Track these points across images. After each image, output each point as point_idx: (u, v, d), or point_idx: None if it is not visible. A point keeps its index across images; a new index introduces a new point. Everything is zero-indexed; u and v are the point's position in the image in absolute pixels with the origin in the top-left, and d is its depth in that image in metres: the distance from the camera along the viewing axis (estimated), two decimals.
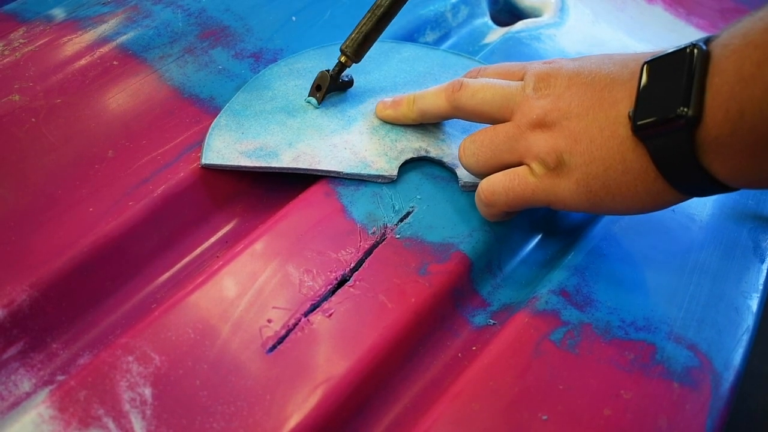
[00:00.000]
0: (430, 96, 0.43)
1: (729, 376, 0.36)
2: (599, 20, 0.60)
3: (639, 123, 0.33)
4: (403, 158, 0.43)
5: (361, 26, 0.43)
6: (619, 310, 0.38)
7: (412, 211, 0.41)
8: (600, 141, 0.35)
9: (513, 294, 0.40)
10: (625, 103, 0.34)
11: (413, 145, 0.44)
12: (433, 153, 0.44)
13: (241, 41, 0.49)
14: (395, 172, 0.42)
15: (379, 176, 0.42)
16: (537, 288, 0.39)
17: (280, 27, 0.51)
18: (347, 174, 0.42)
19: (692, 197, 0.35)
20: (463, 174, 0.43)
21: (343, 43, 0.43)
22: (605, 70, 0.36)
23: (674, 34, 0.60)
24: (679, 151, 0.32)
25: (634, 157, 0.34)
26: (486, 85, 0.40)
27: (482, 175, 0.40)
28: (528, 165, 0.38)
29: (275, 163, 0.41)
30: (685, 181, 0.33)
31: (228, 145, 0.42)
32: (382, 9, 0.42)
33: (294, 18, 0.52)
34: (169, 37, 0.49)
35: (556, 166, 0.36)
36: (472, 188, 0.42)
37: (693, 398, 0.35)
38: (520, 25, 0.57)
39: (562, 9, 0.59)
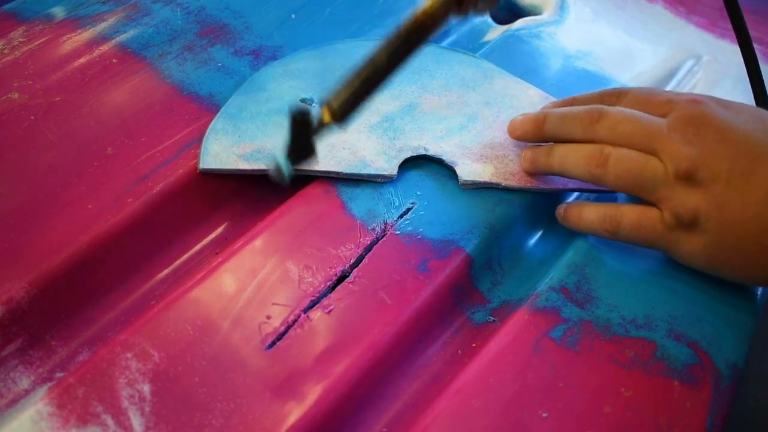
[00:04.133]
0: (564, 121, 0.41)
1: (729, 374, 0.36)
2: (599, 18, 0.60)
3: None
4: (402, 157, 0.43)
5: (356, 82, 0.33)
6: (619, 308, 0.38)
7: (412, 208, 0.41)
8: (742, 218, 0.35)
9: (513, 291, 0.40)
10: None
11: (412, 143, 0.44)
12: (432, 151, 0.43)
13: (241, 39, 0.49)
14: (395, 171, 0.42)
15: (378, 176, 0.42)
16: (537, 285, 0.39)
17: (280, 24, 0.51)
18: (347, 174, 0.41)
19: None
20: (462, 172, 0.42)
21: (331, 98, 0.34)
22: (758, 136, 0.35)
23: (674, 32, 0.60)
24: None
25: None
26: (628, 117, 0.38)
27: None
28: (662, 211, 0.37)
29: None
30: None
31: (225, 149, 0.41)
32: (386, 65, 0.34)
33: (293, 16, 0.52)
34: (169, 35, 0.49)
35: (690, 224, 0.36)
36: (472, 186, 0.42)
37: (693, 396, 0.34)
38: (520, 23, 0.57)
39: (562, 7, 0.59)
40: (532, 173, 0.42)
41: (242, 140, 0.42)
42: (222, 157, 0.41)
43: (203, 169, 0.41)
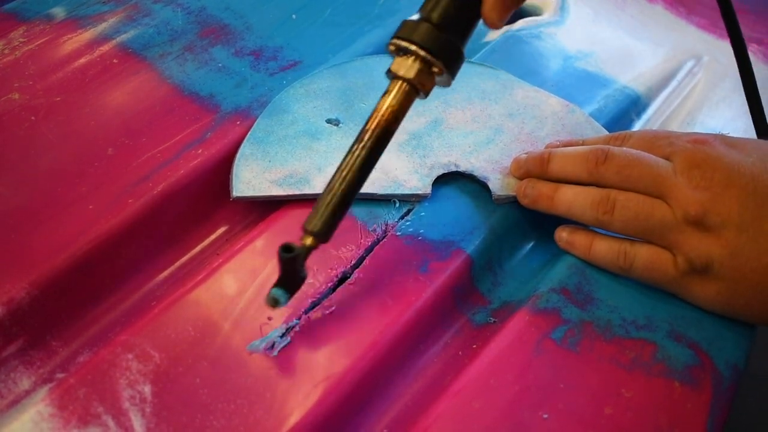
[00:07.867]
0: (569, 162, 0.40)
1: (730, 375, 0.36)
2: (600, 19, 0.60)
3: None
4: (434, 174, 0.42)
5: (329, 200, 0.33)
6: (619, 309, 0.38)
7: (413, 209, 0.41)
8: (756, 265, 0.35)
9: (513, 292, 0.40)
10: None
11: (442, 160, 0.43)
12: (463, 167, 0.43)
13: (241, 39, 0.49)
14: (429, 190, 0.41)
15: (413, 195, 0.41)
16: (538, 286, 0.39)
17: (280, 25, 0.51)
18: (381, 195, 0.41)
19: None
20: (495, 187, 0.42)
21: (309, 222, 0.33)
22: (766, 178, 0.35)
23: (675, 33, 0.60)
24: None
25: None
26: (634, 160, 0.38)
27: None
28: (674, 256, 0.37)
29: (308, 190, 0.40)
30: None
31: (257, 175, 0.40)
32: (352, 174, 0.33)
33: (294, 16, 0.52)
34: (169, 36, 0.49)
35: (702, 270, 0.36)
36: (505, 201, 0.42)
37: (694, 397, 0.35)
38: (520, 23, 0.57)
39: (562, 7, 0.59)
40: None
41: (273, 165, 0.41)
42: (255, 184, 0.40)
43: (237, 197, 0.40)
